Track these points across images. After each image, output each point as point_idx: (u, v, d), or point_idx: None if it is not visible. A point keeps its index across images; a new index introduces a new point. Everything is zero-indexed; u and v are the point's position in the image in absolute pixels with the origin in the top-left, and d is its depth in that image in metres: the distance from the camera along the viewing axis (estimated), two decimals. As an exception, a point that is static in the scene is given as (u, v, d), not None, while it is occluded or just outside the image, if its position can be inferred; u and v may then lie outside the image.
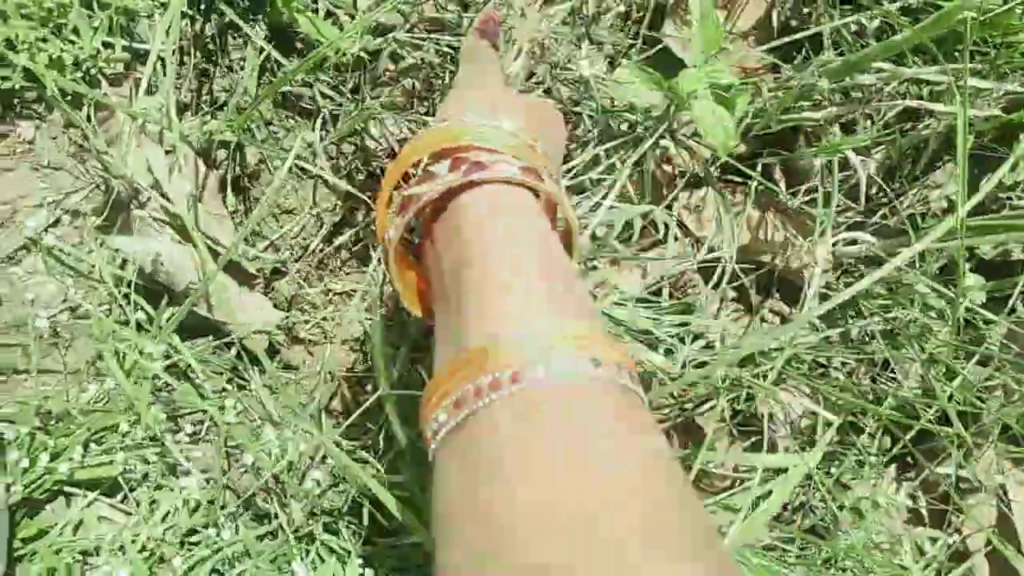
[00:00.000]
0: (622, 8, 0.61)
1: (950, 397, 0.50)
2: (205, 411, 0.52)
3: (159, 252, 0.54)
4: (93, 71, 0.55)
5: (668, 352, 0.53)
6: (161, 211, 0.55)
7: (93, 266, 0.53)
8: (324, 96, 0.58)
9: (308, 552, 0.48)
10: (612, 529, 0.22)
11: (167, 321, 0.52)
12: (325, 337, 0.60)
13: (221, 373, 0.55)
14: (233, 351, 0.55)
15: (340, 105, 0.58)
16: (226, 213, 0.58)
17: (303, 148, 0.57)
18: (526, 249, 0.29)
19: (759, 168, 0.58)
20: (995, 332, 0.54)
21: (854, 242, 0.58)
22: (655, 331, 0.53)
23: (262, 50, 0.57)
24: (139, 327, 0.52)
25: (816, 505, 0.56)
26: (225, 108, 0.56)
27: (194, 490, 0.47)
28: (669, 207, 0.58)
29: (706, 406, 0.56)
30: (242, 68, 0.58)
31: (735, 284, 0.58)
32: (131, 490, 0.50)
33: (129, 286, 0.52)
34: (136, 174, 0.55)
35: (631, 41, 0.60)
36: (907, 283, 0.56)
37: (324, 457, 0.52)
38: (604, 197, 0.54)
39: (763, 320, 0.59)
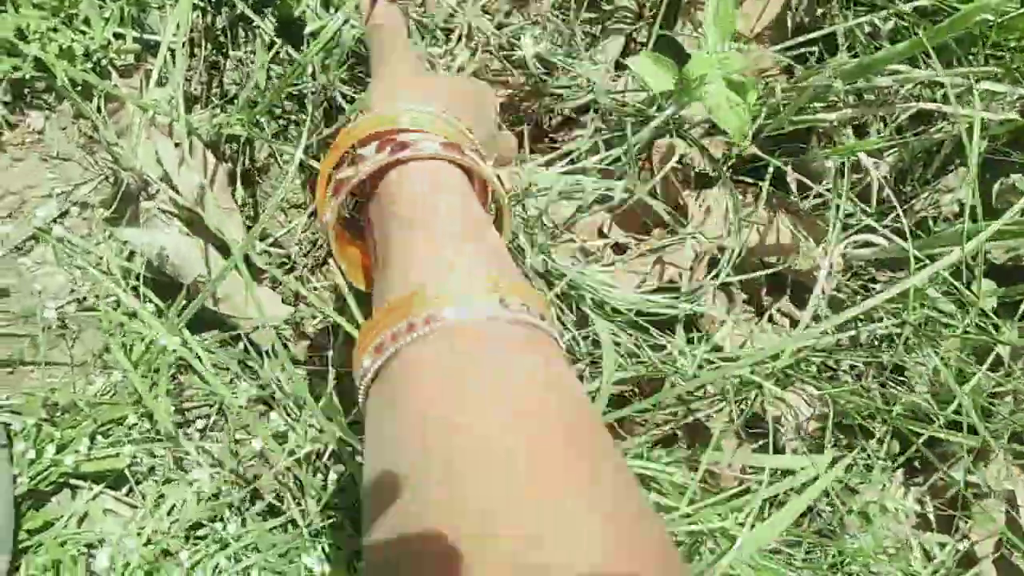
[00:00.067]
0: (634, 5, 0.61)
1: (957, 410, 0.50)
2: (212, 405, 0.52)
3: (166, 245, 0.54)
4: (103, 62, 0.55)
5: (680, 354, 0.53)
6: (170, 203, 0.55)
7: (101, 258, 0.53)
8: (331, 88, 0.57)
9: (318, 546, 0.48)
10: (525, 463, 0.25)
11: (180, 314, 0.52)
12: (332, 333, 0.59)
13: (228, 368, 0.55)
14: (240, 345, 0.55)
15: (354, 99, 0.58)
16: (235, 206, 0.58)
17: (312, 142, 0.57)
18: (446, 214, 0.32)
19: (770, 169, 0.57)
20: (1006, 337, 0.54)
21: (865, 245, 0.57)
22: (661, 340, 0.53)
23: (271, 44, 0.56)
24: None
25: (823, 509, 0.55)
26: (235, 102, 0.56)
27: (206, 482, 0.47)
28: (679, 206, 0.58)
29: (714, 408, 0.56)
30: (252, 62, 0.58)
31: (743, 283, 0.58)
32: (137, 483, 0.50)
33: (137, 278, 0.51)
34: (145, 166, 0.54)
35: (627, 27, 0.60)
36: (918, 288, 0.56)
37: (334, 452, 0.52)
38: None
39: (772, 322, 0.59)
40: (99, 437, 0.51)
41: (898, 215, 0.53)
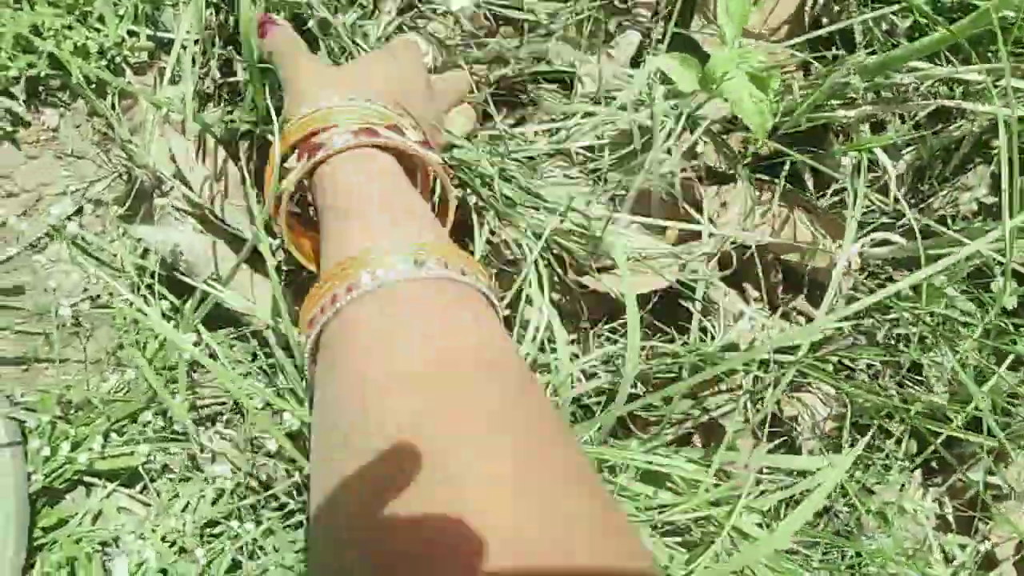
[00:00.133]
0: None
1: (979, 407, 0.49)
2: (226, 402, 0.52)
3: (180, 242, 0.53)
4: (118, 59, 0.55)
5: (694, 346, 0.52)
6: (183, 201, 0.54)
7: (115, 255, 0.53)
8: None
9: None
10: (447, 424, 0.26)
11: (196, 310, 0.51)
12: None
13: (241, 362, 0.55)
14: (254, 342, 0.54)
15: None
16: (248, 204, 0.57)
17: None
18: (376, 199, 0.35)
19: (787, 166, 0.57)
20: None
21: (882, 243, 0.57)
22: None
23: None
24: (163, 316, 0.52)
25: (840, 510, 0.55)
26: (245, 100, 0.56)
27: (222, 478, 0.47)
28: (694, 201, 0.58)
29: (728, 405, 0.56)
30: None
31: (757, 282, 0.57)
32: (151, 480, 0.50)
33: (152, 276, 0.51)
34: (159, 163, 0.54)
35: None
36: (937, 286, 0.55)
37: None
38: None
39: (788, 319, 0.59)
40: (113, 435, 0.51)
41: (918, 212, 0.53)
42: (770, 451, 0.55)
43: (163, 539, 0.48)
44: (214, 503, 0.50)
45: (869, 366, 0.58)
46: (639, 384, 0.55)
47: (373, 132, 0.36)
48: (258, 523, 0.48)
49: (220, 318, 0.55)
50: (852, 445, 0.56)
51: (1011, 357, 0.52)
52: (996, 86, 0.49)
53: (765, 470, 0.54)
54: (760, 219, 0.56)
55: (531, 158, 0.55)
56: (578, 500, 0.25)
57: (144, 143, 0.53)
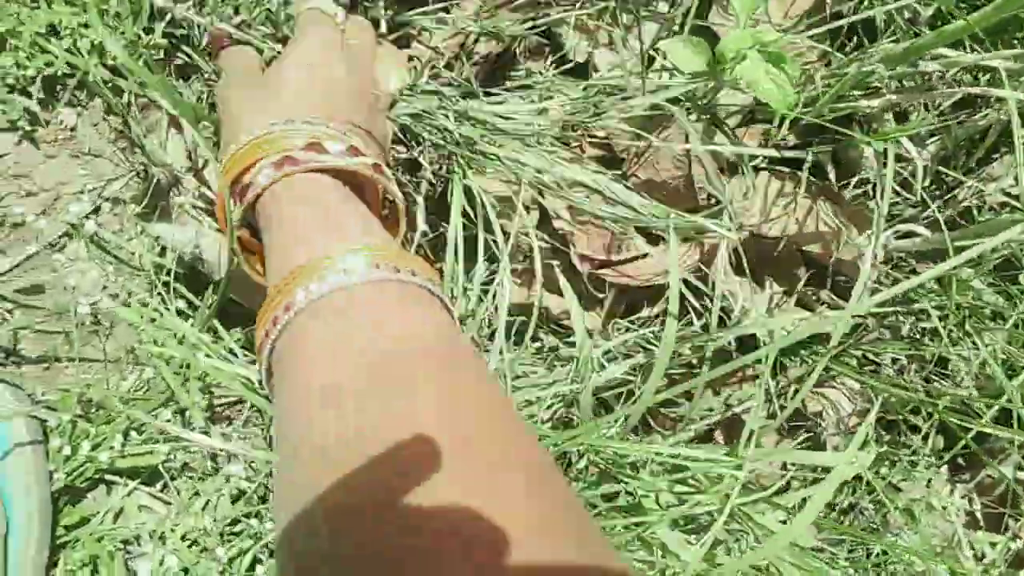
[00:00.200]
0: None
1: (1009, 401, 0.48)
2: (245, 400, 0.52)
3: (197, 240, 0.53)
4: (133, 57, 0.55)
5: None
6: (200, 199, 0.54)
7: (133, 253, 0.53)
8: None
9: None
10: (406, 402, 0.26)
11: (210, 308, 0.51)
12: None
13: (255, 361, 0.55)
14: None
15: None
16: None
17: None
18: (306, 217, 0.35)
19: (809, 156, 0.56)
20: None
21: (907, 235, 0.56)
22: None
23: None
24: (180, 314, 0.52)
25: (866, 507, 0.54)
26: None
27: (240, 477, 0.47)
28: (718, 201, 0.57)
29: (751, 400, 0.55)
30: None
31: (777, 274, 0.57)
32: (172, 479, 0.50)
33: (169, 274, 0.51)
34: (175, 161, 0.54)
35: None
36: (963, 279, 0.54)
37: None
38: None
39: (811, 310, 0.58)
40: (133, 433, 0.51)
41: (943, 203, 0.52)
42: (794, 447, 0.54)
43: (183, 538, 0.48)
44: (234, 502, 0.50)
45: (894, 360, 0.57)
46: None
47: (293, 160, 0.37)
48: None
49: (240, 316, 0.55)
50: (877, 441, 0.55)
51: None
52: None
53: (789, 466, 0.53)
54: (783, 211, 0.55)
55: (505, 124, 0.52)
56: (539, 499, 0.25)
57: (160, 141, 0.53)
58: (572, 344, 0.57)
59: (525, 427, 0.30)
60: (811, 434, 0.55)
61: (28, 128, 0.53)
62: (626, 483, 0.49)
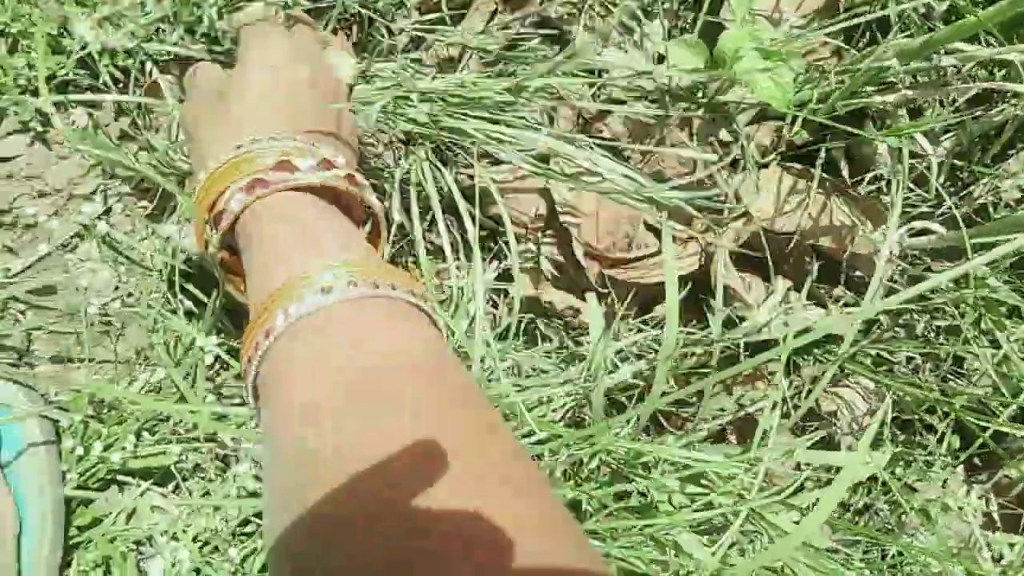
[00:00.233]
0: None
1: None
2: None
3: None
4: (143, 57, 0.55)
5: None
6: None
7: (144, 254, 0.53)
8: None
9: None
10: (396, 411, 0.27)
11: (215, 309, 0.51)
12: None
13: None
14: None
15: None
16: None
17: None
18: (284, 236, 0.35)
19: (822, 154, 0.55)
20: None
21: (921, 232, 0.55)
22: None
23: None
24: (188, 315, 0.52)
25: (881, 508, 0.53)
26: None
27: (247, 478, 0.47)
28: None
29: (763, 399, 0.55)
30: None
31: (789, 271, 0.56)
32: (184, 479, 0.50)
33: (179, 274, 0.51)
34: (184, 161, 0.54)
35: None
36: (979, 276, 0.54)
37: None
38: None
39: (823, 307, 0.57)
40: (145, 434, 0.51)
41: (958, 199, 0.51)
42: (808, 447, 0.54)
43: (194, 539, 0.48)
44: (243, 501, 0.50)
45: (909, 359, 0.56)
46: (671, 381, 0.54)
47: (263, 183, 0.36)
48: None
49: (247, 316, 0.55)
50: (892, 441, 0.55)
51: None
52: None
53: (803, 466, 0.52)
54: (796, 206, 0.54)
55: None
56: (539, 499, 0.26)
57: (171, 141, 0.53)
58: (579, 342, 0.57)
59: (514, 442, 0.30)
60: (825, 434, 0.55)
61: (40, 129, 0.53)
62: (638, 483, 0.49)
